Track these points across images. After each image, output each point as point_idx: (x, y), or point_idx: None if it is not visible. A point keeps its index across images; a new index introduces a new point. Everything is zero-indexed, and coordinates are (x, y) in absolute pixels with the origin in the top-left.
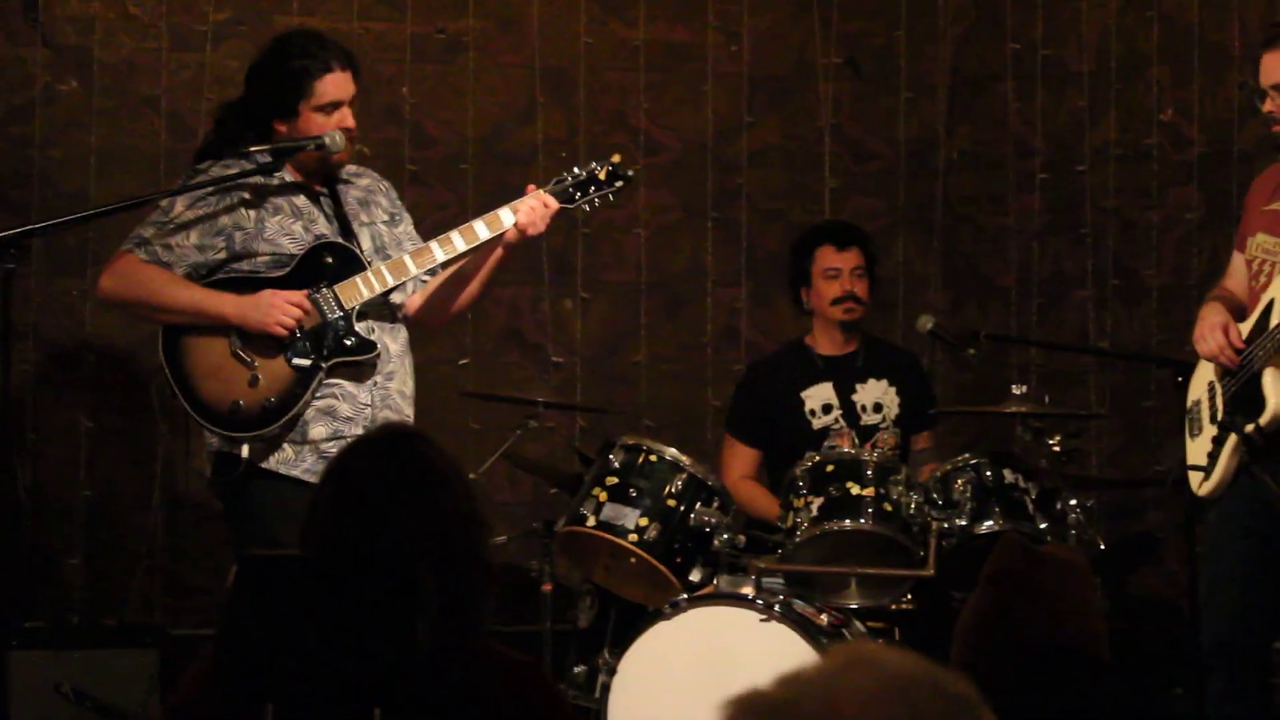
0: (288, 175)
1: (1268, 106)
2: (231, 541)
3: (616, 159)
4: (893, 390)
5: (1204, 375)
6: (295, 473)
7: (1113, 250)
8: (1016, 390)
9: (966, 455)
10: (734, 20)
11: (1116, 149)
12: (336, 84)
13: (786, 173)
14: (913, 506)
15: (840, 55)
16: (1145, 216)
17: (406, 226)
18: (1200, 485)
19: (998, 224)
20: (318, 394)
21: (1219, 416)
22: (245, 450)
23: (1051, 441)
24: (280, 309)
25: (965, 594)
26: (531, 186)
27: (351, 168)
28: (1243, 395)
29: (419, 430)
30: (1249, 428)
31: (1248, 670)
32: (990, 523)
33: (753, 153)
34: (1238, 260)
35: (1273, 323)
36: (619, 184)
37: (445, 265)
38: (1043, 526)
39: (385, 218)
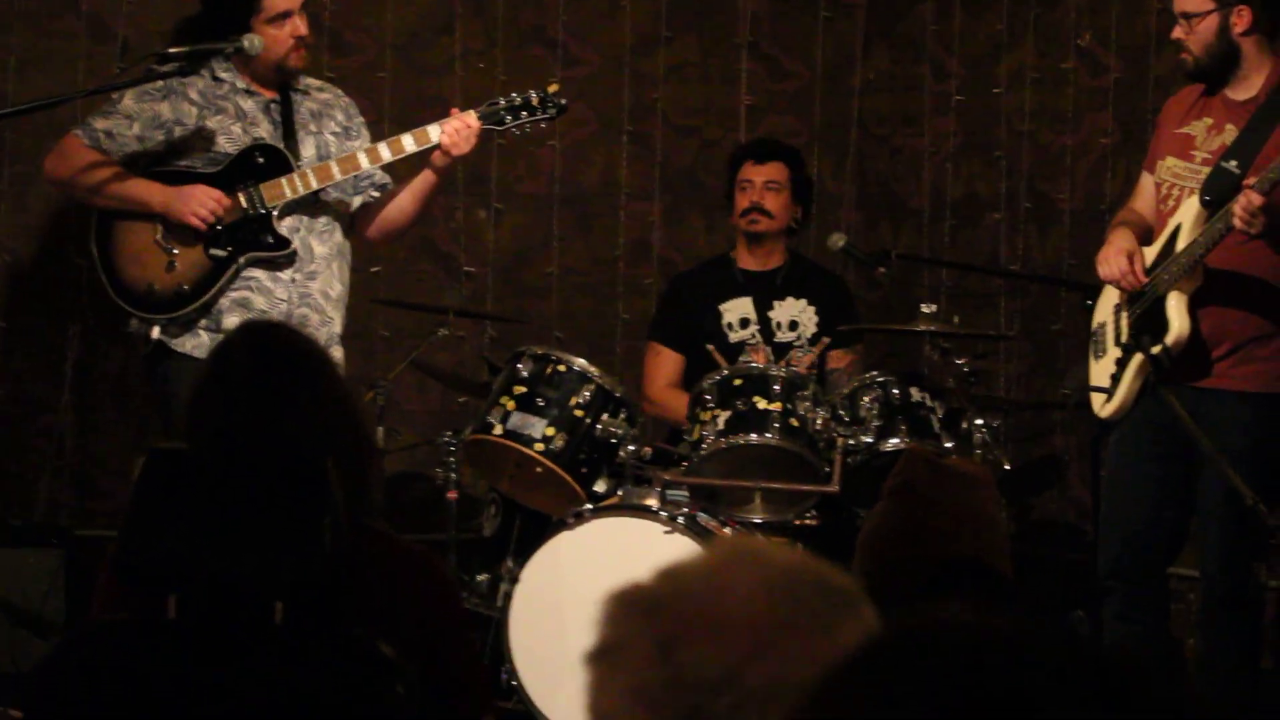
0: (239, 81)
1: (1176, 33)
2: (151, 423)
3: (553, 88)
4: (811, 309)
5: (1110, 298)
6: None
7: (1026, 174)
8: (926, 310)
9: (874, 373)
10: None
11: (1033, 73)
12: None
13: (703, 89)
14: (819, 422)
15: None
16: (1059, 140)
17: (361, 143)
18: (1103, 407)
19: (912, 145)
20: (233, 286)
21: (1124, 339)
22: (156, 331)
23: (960, 361)
24: (200, 201)
25: (869, 511)
26: (455, 110)
27: (315, 82)
28: (1147, 318)
29: (276, 321)
30: (1155, 349)
31: (1144, 592)
32: (896, 440)
33: (669, 68)
34: (1147, 181)
35: (1179, 247)
36: (552, 112)
37: (381, 187)
38: (948, 445)
39: (338, 130)
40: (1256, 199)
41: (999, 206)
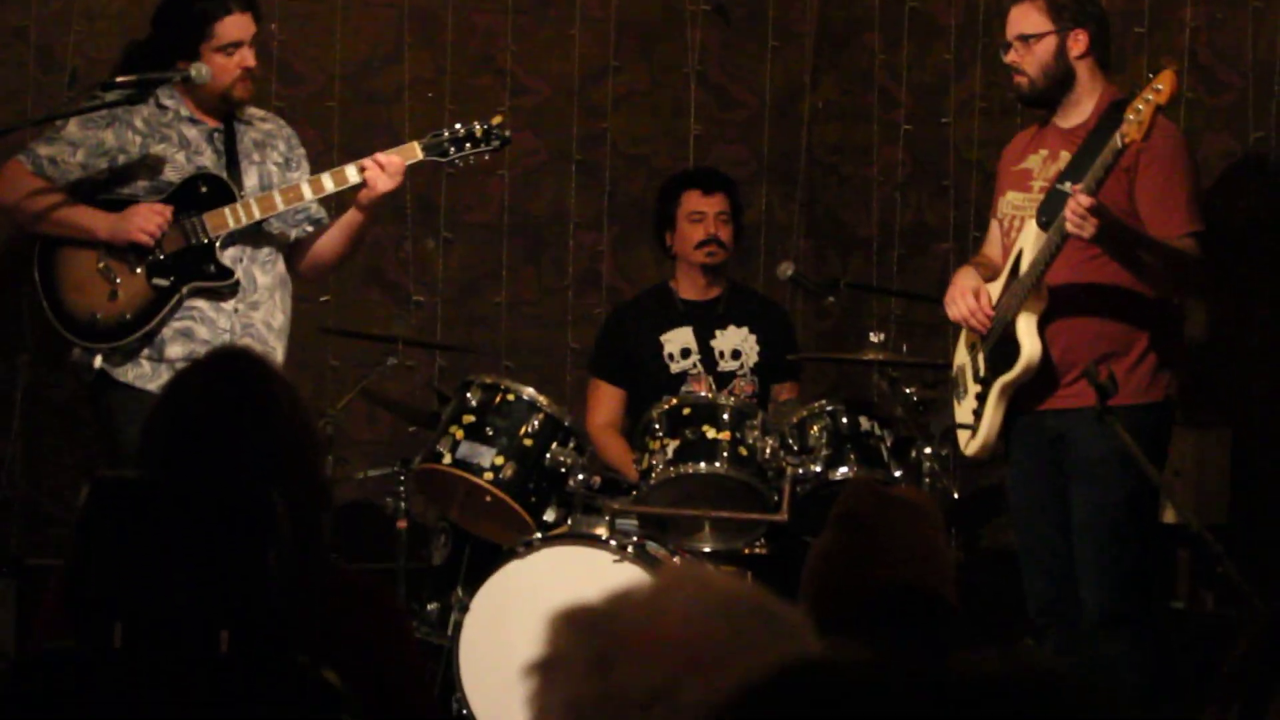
0: (183, 109)
1: (1011, 57)
2: (99, 451)
3: (497, 120)
4: (753, 338)
5: (964, 340)
6: (151, 387)
7: (974, 203)
8: (874, 339)
9: (823, 401)
10: None
11: (981, 102)
12: (235, 25)
13: (652, 118)
14: (768, 451)
15: (708, 2)
16: None
17: (301, 174)
18: (968, 444)
19: (861, 174)
20: (176, 315)
21: (982, 374)
22: (98, 361)
23: (909, 390)
24: (143, 216)
25: (816, 539)
26: (409, 143)
27: (258, 112)
28: (1001, 348)
29: (249, 351)
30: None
31: (1079, 624)
32: (845, 469)
33: (618, 98)
34: (994, 226)
35: (1023, 270)
36: (495, 144)
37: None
38: (897, 474)
39: (280, 160)
40: (1085, 199)
41: (947, 236)
